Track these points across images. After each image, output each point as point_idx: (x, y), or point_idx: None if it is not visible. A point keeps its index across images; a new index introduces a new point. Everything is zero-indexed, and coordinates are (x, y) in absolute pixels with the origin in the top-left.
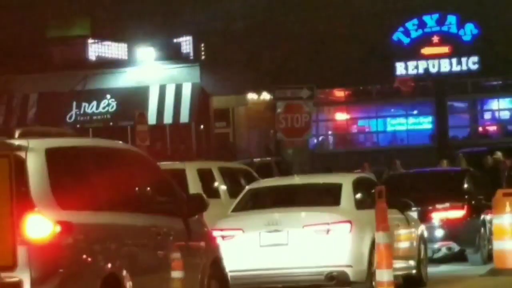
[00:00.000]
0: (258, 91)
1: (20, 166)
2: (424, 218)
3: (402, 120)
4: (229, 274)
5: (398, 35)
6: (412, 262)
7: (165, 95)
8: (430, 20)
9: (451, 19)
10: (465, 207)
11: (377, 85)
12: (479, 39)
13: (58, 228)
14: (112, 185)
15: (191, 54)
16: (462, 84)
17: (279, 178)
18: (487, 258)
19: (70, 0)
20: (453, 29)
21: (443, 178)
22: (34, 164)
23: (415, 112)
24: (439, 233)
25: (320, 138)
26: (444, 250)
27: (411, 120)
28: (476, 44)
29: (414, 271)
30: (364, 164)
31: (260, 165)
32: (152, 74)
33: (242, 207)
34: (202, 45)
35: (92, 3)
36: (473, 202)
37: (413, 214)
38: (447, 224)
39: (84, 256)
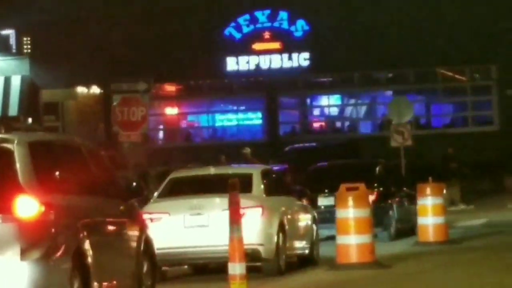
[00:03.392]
0: (88, 85)
1: (10, 156)
2: None
3: (232, 115)
4: (158, 252)
5: (229, 30)
6: (306, 243)
7: None
8: (261, 16)
9: (283, 15)
10: (375, 192)
11: (208, 80)
12: (310, 35)
13: (42, 208)
14: (76, 173)
15: (14, 47)
16: (293, 80)
17: (198, 169)
18: (394, 236)
19: None
20: (285, 25)
21: (357, 168)
22: (21, 155)
23: (245, 107)
24: None
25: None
26: None
27: (242, 115)
28: (307, 41)
29: (307, 251)
30: (221, 157)
31: None
32: None
33: (166, 194)
34: (29, 38)
35: None
36: (381, 188)
37: (330, 199)
38: None
39: (61, 231)
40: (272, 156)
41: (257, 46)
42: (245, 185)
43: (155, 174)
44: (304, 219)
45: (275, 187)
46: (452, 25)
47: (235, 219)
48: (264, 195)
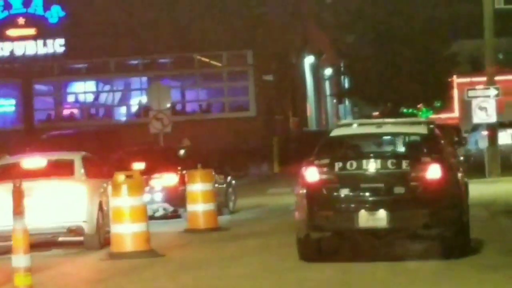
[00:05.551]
0: None
1: None
2: (147, 184)
3: None
4: None
5: None
6: None
7: None
8: (16, 1)
9: (37, 1)
10: (178, 176)
11: None
12: (65, 21)
13: None
14: None
15: None
16: (48, 66)
17: (20, 156)
18: None
19: None
20: (40, 11)
21: (163, 153)
22: None
23: None
24: (158, 196)
25: None
26: (161, 210)
27: None
28: (62, 27)
29: None
30: (26, 149)
31: None
32: None
33: None
34: None
35: None
36: (184, 171)
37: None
38: (163, 190)
39: None
40: (28, 144)
41: (11, 32)
42: (69, 169)
43: None
44: None
45: (94, 170)
46: (208, 11)
47: (18, 210)
48: (86, 178)
